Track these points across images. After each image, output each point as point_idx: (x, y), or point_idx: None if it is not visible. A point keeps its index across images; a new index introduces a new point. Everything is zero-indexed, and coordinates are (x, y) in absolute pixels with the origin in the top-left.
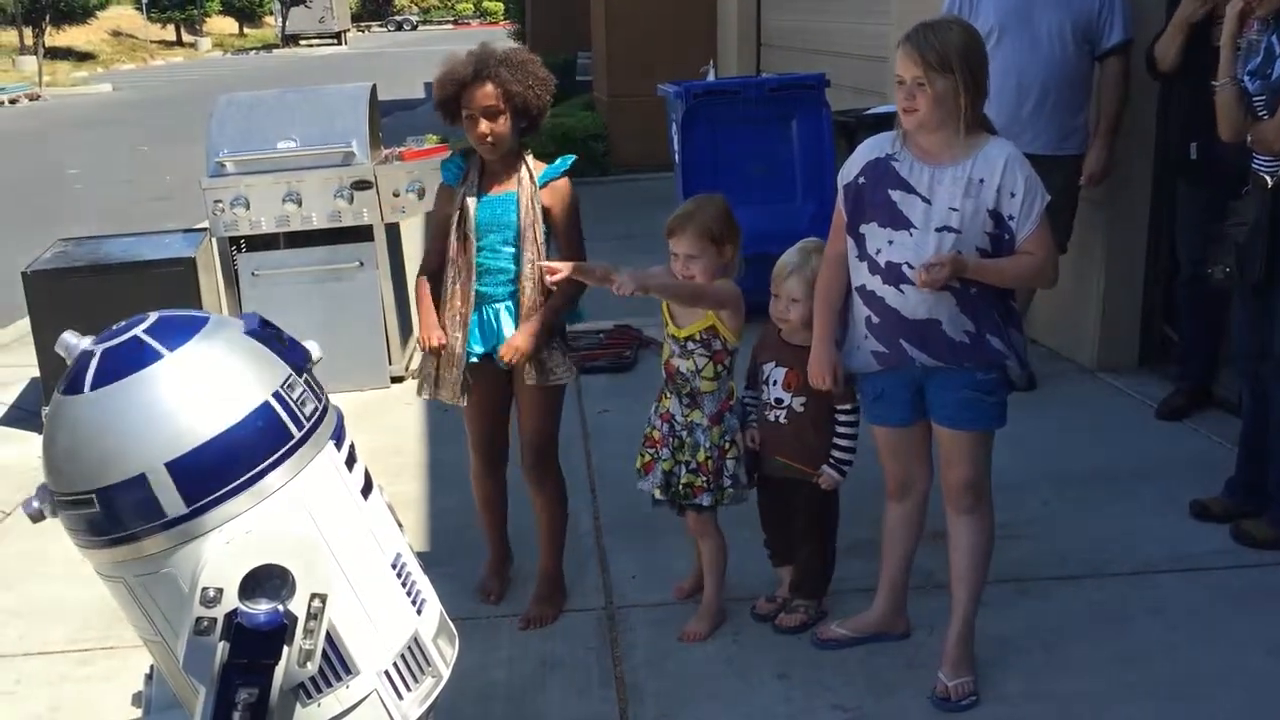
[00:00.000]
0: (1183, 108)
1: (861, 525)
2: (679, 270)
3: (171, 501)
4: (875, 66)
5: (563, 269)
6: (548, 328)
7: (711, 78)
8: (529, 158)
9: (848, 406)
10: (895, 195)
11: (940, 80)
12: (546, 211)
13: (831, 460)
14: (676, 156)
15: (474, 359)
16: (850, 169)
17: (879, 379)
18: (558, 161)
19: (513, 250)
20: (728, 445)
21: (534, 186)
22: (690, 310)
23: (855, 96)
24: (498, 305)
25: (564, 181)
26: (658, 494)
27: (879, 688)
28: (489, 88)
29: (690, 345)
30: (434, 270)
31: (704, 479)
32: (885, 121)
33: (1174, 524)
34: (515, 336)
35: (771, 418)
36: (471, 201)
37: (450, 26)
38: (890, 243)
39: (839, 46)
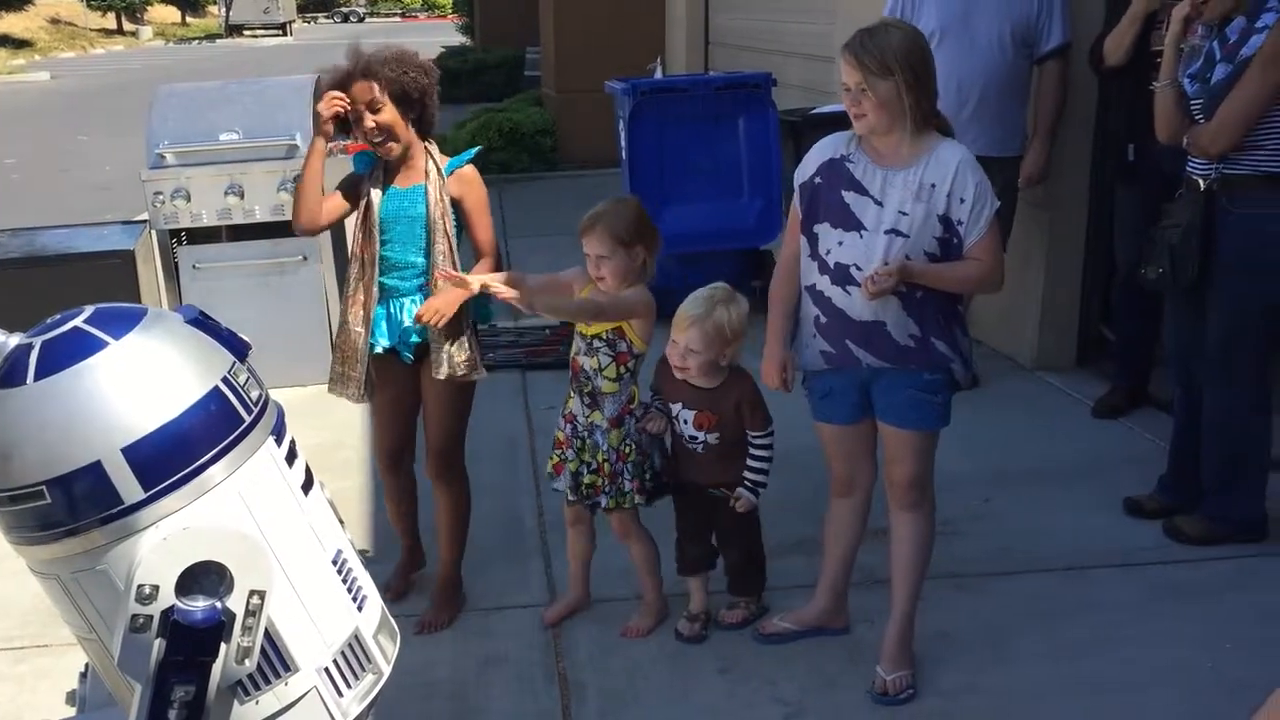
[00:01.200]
0: (1121, 111)
1: (805, 522)
2: (591, 270)
3: (128, 488)
4: (821, 66)
5: (473, 280)
6: (459, 300)
7: (659, 75)
8: (433, 150)
9: (759, 432)
10: (848, 196)
11: (882, 84)
12: (456, 202)
13: (747, 483)
14: (624, 153)
15: (379, 350)
16: (806, 168)
17: (826, 377)
18: (464, 152)
19: (422, 243)
20: (627, 450)
21: (441, 178)
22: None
23: (802, 96)
24: (404, 299)
25: (470, 170)
26: (569, 495)
27: (819, 682)
28: (364, 83)
29: (596, 343)
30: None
31: (602, 481)
32: (831, 121)
33: (1109, 520)
34: (434, 299)
35: (688, 447)
36: (376, 195)
37: (398, 19)
38: (840, 243)
39: (786, 46)
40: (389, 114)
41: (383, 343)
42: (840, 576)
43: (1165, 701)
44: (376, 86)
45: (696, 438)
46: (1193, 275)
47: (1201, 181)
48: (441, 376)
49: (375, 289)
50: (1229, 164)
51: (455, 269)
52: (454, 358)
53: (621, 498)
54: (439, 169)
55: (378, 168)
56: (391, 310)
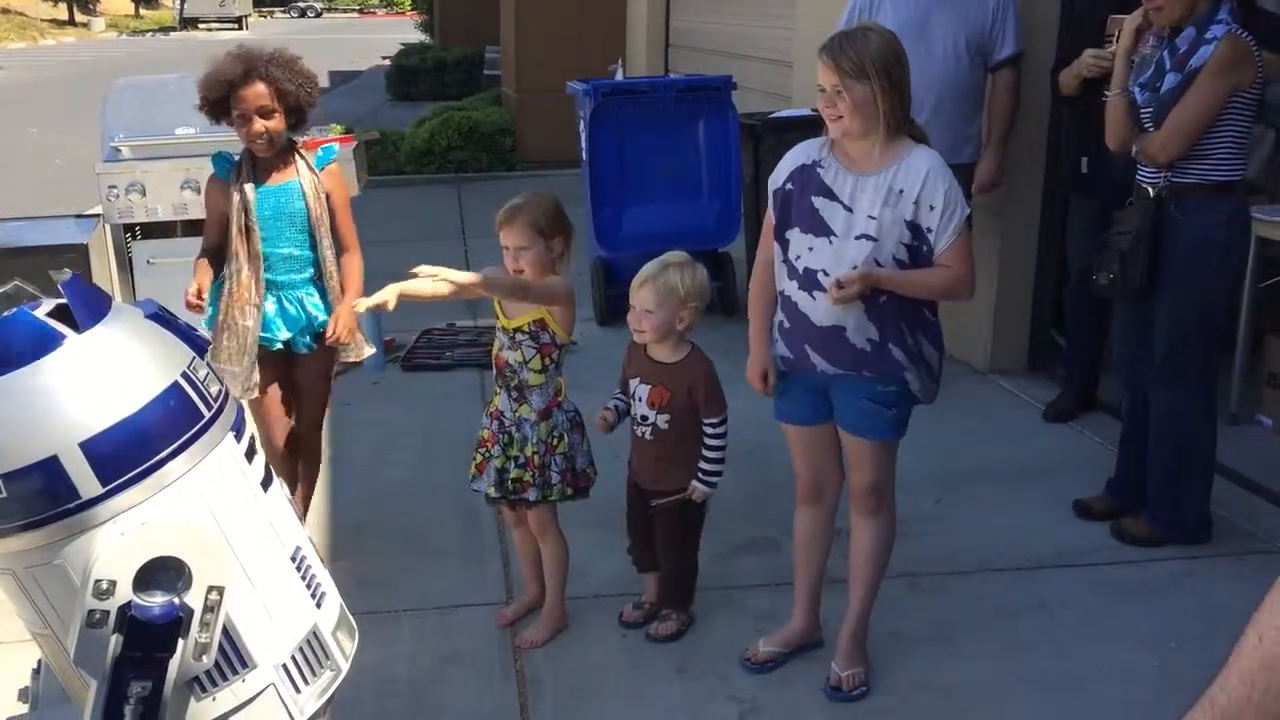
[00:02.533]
0: (1075, 122)
1: (759, 524)
2: (509, 263)
3: (86, 483)
4: (781, 70)
5: (387, 297)
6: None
7: (620, 76)
8: (299, 148)
9: (714, 419)
10: (818, 202)
11: (858, 87)
12: (327, 196)
13: (700, 473)
14: (584, 154)
15: (277, 346)
16: (779, 175)
17: (786, 378)
18: (327, 147)
19: (304, 237)
20: (556, 441)
21: (314, 174)
22: (519, 302)
23: (762, 99)
24: (298, 292)
25: (335, 166)
26: (492, 491)
27: (774, 680)
28: (260, 87)
29: (519, 337)
30: (212, 251)
31: (531, 474)
32: (790, 125)
33: (1058, 521)
34: (339, 319)
35: (639, 433)
36: (251, 192)
37: (356, 15)
38: (810, 249)
39: (746, 50)
40: (278, 122)
41: (281, 336)
42: (817, 590)
43: (1112, 698)
44: (273, 94)
45: (647, 418)
46: (1141, 281)
47: (1151, 189)
48: (351, 359)
49: (263, 283)
50: (1177, 172)
51: (335, 260)
52: (358, 341)
53: (549, 489)
54: (310, 165)
55: (242, 167)
56: (287, 304)
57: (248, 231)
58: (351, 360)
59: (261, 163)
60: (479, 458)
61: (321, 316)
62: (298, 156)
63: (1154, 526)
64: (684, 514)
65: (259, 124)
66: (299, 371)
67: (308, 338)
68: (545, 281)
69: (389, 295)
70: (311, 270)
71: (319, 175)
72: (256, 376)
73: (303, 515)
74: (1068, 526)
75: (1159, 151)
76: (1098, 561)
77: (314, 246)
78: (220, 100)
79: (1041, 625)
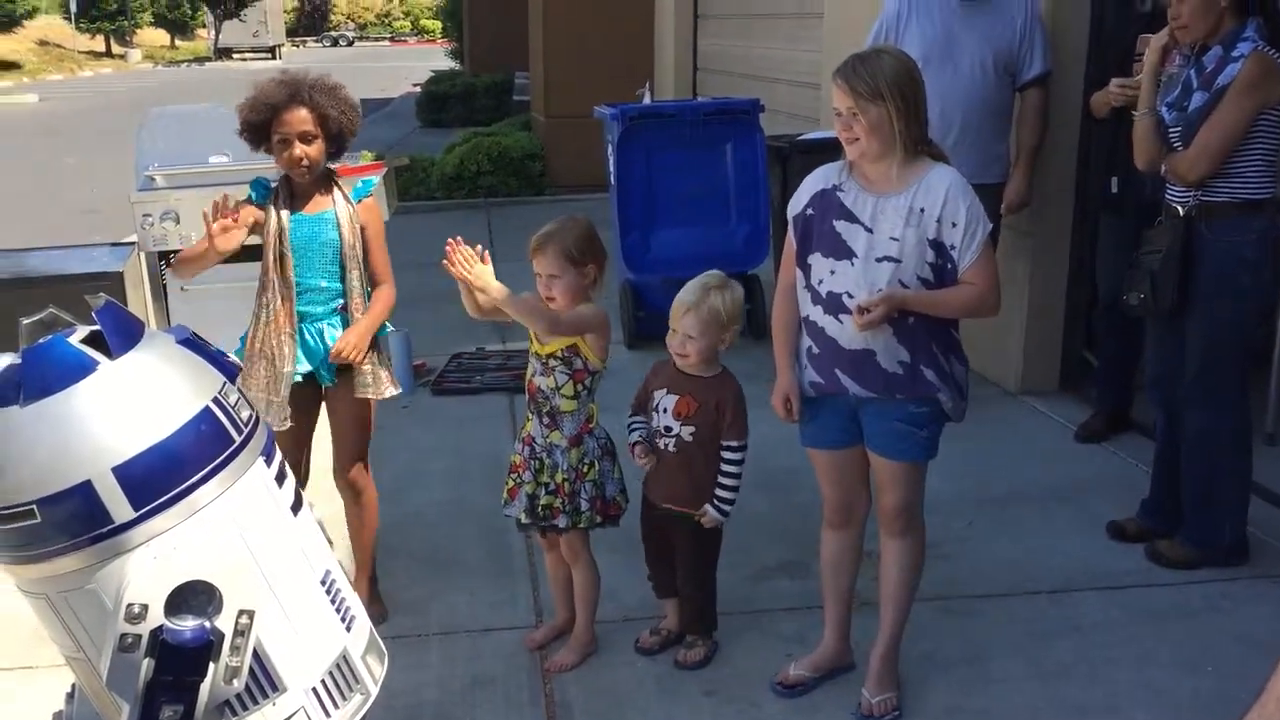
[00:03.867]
0: (1105, 142)
1: (788, 546)
2: (541, 290)
3: (119, 508)
4: (808, 92)
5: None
6: (372, 331)
7: (648, 100)
8: (337, 177)
9: (735, 443)
10: (840, 225)
11: (873, 109)
12: (362, 229)
13: (715, 499)
14: (612, 178)
15: (298, 378)
16: (799, 200)
17: (814, 403)
18: (367, 178)
19: (335, 268)
20: (586, 468)
21: (351, 205)
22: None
23: (789, 121)
24: (320, 324)
25: (373, 199)
26: (523, 518)
27: (805, 704)
28: (304, 112)
29: (552, 362)
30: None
31: (561, 501)
32: (818, 148)
33: (1092, 544)
34: (349, 335)
35: (661, 445)
36: (286, 219)
37: (388, 43)
38: (832, 273)
39: (773, 72)
40: (318, 149)
41: (303, 368)
42: (845, 616)
43: None
44: (315, 119)
45: (671, 429)
46: (1173, 300)
47: (1181, 208)
48: (370, 396)
49: (295, 314)
50: (1207, 191)
51: (364, 293)
52: (379, 378)
53: (578, 516)
54: (346, 196)
55: (279, 193)
56: (308, 335)
57: (281, 259)
58: (370, 397)
59: (299, 190)
60: (510, 483)
61: None
62: (336, 187)
63: (1189, 548)
64: (700, 538)
65: (300, 149)
66: (331, 415)
67: (331, 370)
68: (576, 312)
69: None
70: (339, 301)
71: (355, 206)
72: (285, 402)
73: (370, 555)
74: (1101, 548)
75: (1188, 171)
76: (1132, 584)
77: (343, 278)
78: (262, 124)
79: (1076, 649)
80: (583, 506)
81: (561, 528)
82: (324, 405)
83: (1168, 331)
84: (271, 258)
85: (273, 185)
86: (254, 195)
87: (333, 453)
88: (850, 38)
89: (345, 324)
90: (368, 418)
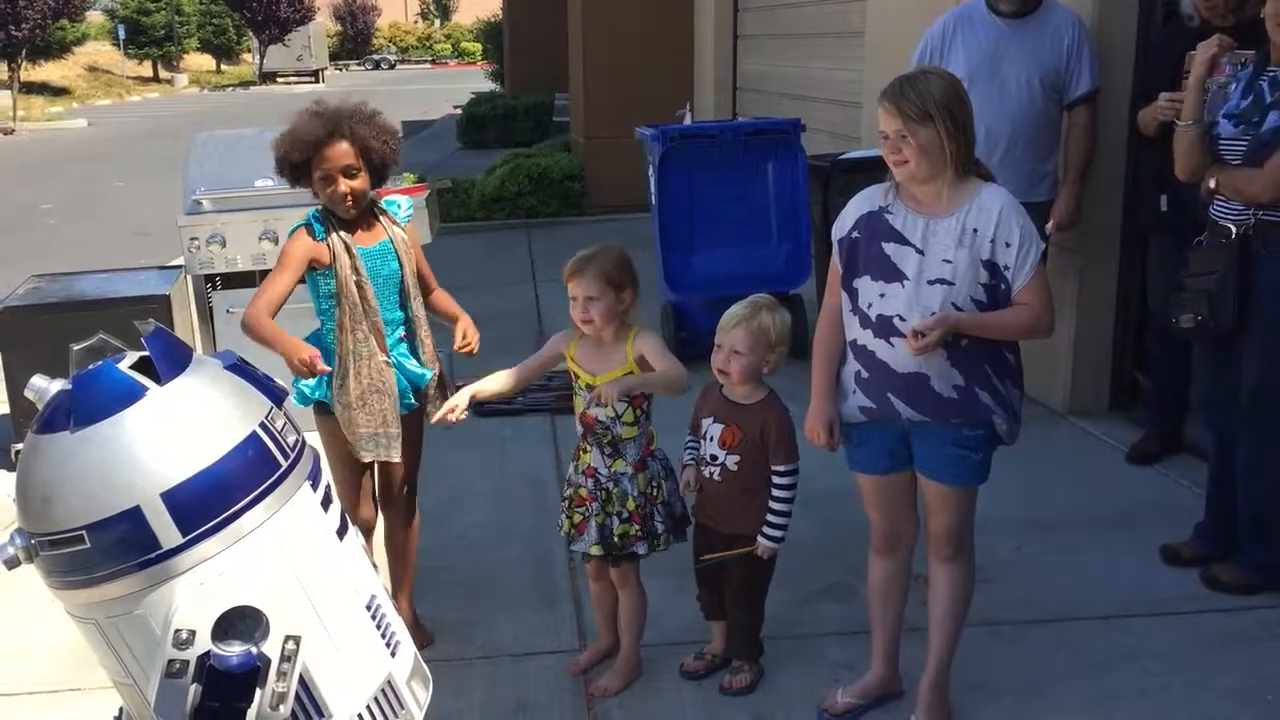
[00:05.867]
0: (1153, 159)
1: (836, 568)
2: (577, 314)
3: (167, 533)
4: (850, 112)
5: (459, 403)
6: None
7: (688, 121)
8: (378, 205)
9: (783, 468)
10: (889, 248)
11: (922, 131)
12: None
13: (767, 525)
14: (653, 198)
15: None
16: (844, 223)
17: (864, 428)
18: (402, 204)
19: (396, 297)
20: (655, 491)
21: (400, 230)
22: (605, 356)
23: (830, 141)
24: (392, 354)
25: (410, 224)
26: (595, 550)
27: None
28: (345, 146)
29: None
30: (275, 311)
31: (637, 528)
32: (860, 166)
33: (1145, 568)
34: (467, 327)
35: (706, 474)
36: (356, 252)
37: (429, 66)
38: (882, 296)
39: (814, 92)
40: (363, 182)
41: (407, 398)
42: (894, 642)
43: None
44: (354, 151)
45: (717, 458)
46: (1231, 322)
47: (1233, 228)
48: (449, 419)
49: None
50: (1266, 210)
51: (425, 318)
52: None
53: (656, 540)
54: (393, 221)
55: (332, 227)
56: None
57: (360, 289)
58: (436, 419)
59: (346, 224)
60: (577, 517)
61: (420, 371)
62: (383, 216)
63: (1246, 573)
64: (753, 564)
65: (344, 185)
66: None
67: (410, 398)
68: (666, 357)
69: (462, 400)
70: (402, 330)
71: (403, 230)
72: (399, 434)
73: (410, 575)
74: (1155, 573)
75: (1260, 192)
76: (1188, 610)
77: (403, 305)
78: (302, 162)
79: (1130, 676)
80: (658, 529)
81: (642, 554)
82: None
83: (1219, 353)
84: (355, 293)
85: (327, 220)
86: (315, 230)
87: (382, 476)
88: (891, 56)
89: (413, 353)
90: (421, 438)
